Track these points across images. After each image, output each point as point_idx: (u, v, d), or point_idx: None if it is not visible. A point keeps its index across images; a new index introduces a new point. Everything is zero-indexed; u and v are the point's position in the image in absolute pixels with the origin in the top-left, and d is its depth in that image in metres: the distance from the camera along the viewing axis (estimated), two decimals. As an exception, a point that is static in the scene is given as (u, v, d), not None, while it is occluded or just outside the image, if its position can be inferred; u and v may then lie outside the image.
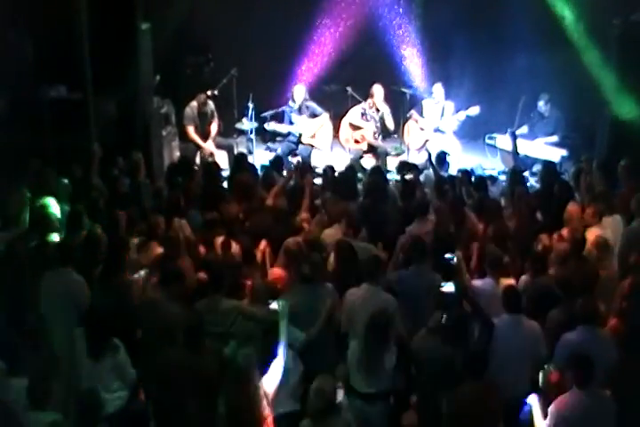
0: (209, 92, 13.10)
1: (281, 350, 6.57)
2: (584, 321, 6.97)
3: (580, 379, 6.22)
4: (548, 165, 11.21)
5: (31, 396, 6.02)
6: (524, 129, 13.27)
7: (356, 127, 13.58)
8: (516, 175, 10.86)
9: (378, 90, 13.40)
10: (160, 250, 8.20)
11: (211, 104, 13.22)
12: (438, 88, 13.64)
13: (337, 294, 7.63)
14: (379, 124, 13.51)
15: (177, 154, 13.20)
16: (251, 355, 6.24)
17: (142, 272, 8.03)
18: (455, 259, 8.14)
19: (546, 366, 6.92)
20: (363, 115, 13.54)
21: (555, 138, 13.05)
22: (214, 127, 13.27)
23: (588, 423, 6.16)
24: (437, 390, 6.61)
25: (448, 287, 7.65)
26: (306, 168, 11.03)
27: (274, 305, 6.86)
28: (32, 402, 6.01)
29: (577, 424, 6.17)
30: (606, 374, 6.69)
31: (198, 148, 13.04)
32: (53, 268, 7.72)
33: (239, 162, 11.25)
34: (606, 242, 8.28)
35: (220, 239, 8.58)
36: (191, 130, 13.04)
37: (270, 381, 6.33)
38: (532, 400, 6.59)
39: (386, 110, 13.49)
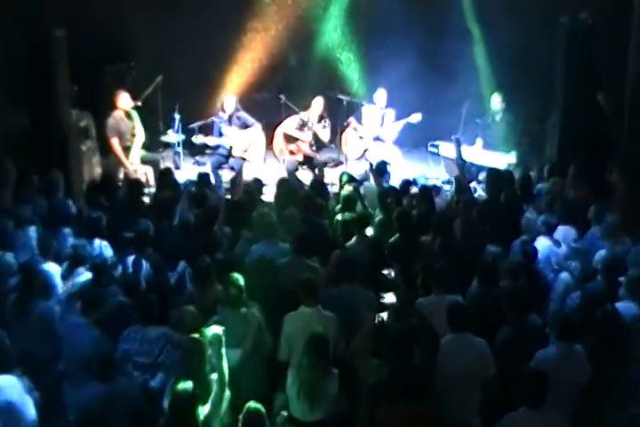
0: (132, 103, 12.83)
1: (217, 381, 6.45)
2: (560, 337, 6.87)
3: (532, 397, 6.08)
4: (492, 172, 10.98)
5: None
6: (479, 142, 12.99)
7: (291, 138, 13.40)
8: (461, 184, 10.83)
9: (317, 103, 13.19)
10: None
11: (135, 115, 12.81)
12: (381, 94, 13.42)
13: (261, 317, 7.56)
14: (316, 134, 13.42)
15: (98, 170, 12.90)
16: (190, 389, 6.11)
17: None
18: (393, 273, 8.26)
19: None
20: (301, 125, 13.33)
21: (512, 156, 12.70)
22: (139, 140, 12.82)
23: None
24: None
25: (389, 298, 7.84)
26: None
27: (214, 330, 6.65)
28: None
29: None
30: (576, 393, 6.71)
31: (121, 163, 12.61)
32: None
33: (164, 178, 11.07)
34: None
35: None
36: (115, 142, 12.58)
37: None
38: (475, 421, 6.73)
39: (319, 126, 13.28)
